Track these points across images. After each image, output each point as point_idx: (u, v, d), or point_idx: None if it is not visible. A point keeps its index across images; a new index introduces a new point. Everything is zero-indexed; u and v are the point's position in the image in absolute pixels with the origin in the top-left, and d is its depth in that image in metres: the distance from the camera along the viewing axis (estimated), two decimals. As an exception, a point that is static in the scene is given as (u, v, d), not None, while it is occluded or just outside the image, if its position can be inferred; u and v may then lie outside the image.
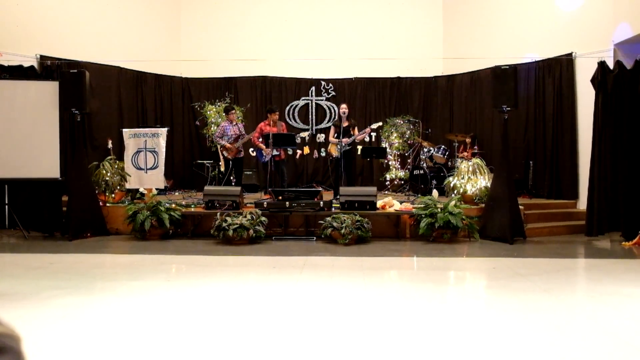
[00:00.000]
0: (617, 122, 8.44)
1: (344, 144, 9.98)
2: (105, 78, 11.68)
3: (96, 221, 8.56)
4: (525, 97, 10.89)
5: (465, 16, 13.14)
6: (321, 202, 8.57)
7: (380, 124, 11.17)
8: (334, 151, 10.28)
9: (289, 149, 11.64)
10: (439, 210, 8.07)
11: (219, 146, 10.74)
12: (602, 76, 8.47)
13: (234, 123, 10.76)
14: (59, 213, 8.74)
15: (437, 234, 8.04)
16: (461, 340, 3.70)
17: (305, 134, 12.15)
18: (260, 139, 10.44)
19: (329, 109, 13.58)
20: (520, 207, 8.55)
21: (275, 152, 10.25)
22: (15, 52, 9.63)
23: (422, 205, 8.38)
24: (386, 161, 12.62)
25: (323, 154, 13.37)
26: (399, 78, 13.50)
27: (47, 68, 9.74)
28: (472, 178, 9.25)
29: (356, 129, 10.31)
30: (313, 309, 4.53)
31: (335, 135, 10.25)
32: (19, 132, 8.45)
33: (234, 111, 11.00)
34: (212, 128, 12.24)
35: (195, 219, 8.75)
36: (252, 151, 13.01)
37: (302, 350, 3.50)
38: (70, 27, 11.10)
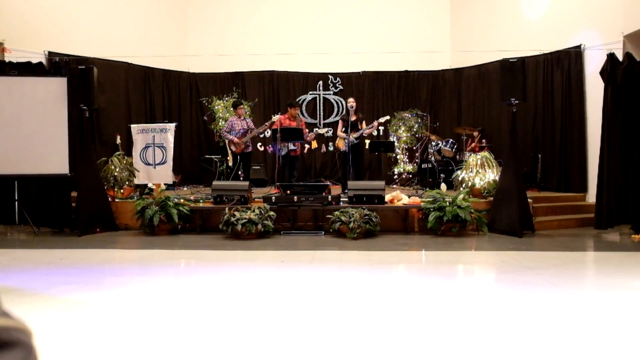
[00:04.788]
0: (627, 114, 8.38)
1: (352, 138, 9.98)
2: (113, 74, 11.72)
3: (105, 217, 8.61)
4: (534, 90, 10.83)
5: (472, 9, 13.08)
6: (329, 197, 8.57)
7: (388, 117, 11.14)
8: (342, 145, 10.28)
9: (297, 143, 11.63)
10: (448, 203, 8.05)
11: (226, 141, 10.76)
12: (611, 68, 8.40)
13: (242, 118, 10.77)
14: (68, 209, 8.78)
15: (446, 228, 8.03)
16: (469, 333, 3.70)
17: (323, 130, 11.94)
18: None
19: (337, 103, 13.57)
20: (529, 200, 8.52)
21: (292, 147, 10.27)
22: (23, 48, 9.68)
23: (431, 199, 8.36)
24: (394, 155, 12.60)
25: (331, 149, 13.36)
26: (406, 72, 13.47)
27: (56, 64, 9.76)
28: (480, 171, 9.22)
29: (364, 122, 10.30)
30: (322, 303, 4.54)
31: (344, 129, 10.25)
32: (27, 128, 8.49)
33: (242, 106, 11.02)
34: (220, 123, 12.26)
35: (204, 214, 8.77)
36: (260, 146, 13.02)
37: (309, 344, 3.51)
38: (78, 24, 11.13)
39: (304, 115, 13.46)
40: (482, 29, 12.62)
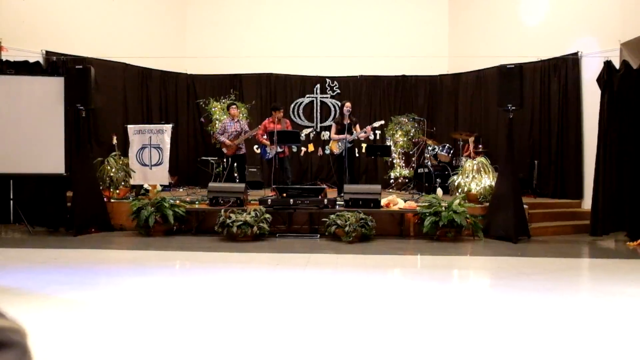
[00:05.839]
0: (623, 122, 8.40)
1: (350, 138, 9.98)
2: (111, 74, 11.69)
3: (100, 217, 8.58)
4: (531, 97, 10.84)
5: (471, 14, 13.11)
6: (325, 200, 8.56)
7: (382, 122, 11.15)
8: (335, 148, 10.27)
9: (293, 146, 11.63)
10: (443, 208, 8.05)
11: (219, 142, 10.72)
12: (608, 76, 8.43)
13: (236, 119, 10.71)
14: (63, 208, 8.76)
15: (441, 233, 8.03)
16: (463, 339, 3.69)
17: (308, 131, 12.13)
18: (265, 136, 10.46)
19: (334, 106, 13.56)
20: (525, 206, 8.52)
21: (279, 149, 10.25)
22: (20, 47, 9.64)
23: (426, 204, 8.37)
24: (391, 159, 12.61)
25: (327, 152, 13.35)
26: (404, 76, 13.48)
27: (53, 64, 9.75)
28: (476, 177, 9.23)
29: (357, 126, 10.30)
30: (316, 306, 4.53)
31: (337, 132, 10.25)
32: (24, 127, 8.46)
33: (234, 106, 10.97)
34: (216, 125, 12.25)
35: (200, 216, 8.76)
36: (257, 148, 13.01)
37: (303, 347, 3.50)
38: (76, 23, 11.11)
39: (300, 118, 13.46)
40: (480, 34, 12.64)
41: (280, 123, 10.38)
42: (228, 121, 10.71)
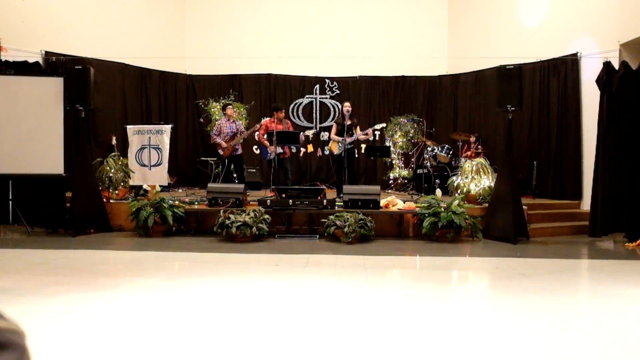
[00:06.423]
0: (622, 122, 8.41)
1: (347, 142, 9.98)
2: (110, 74, 11.69)
3: (100, 217, 8.58)
4: (530, 97, 10.85)
5: (470, 15, 13.12)
6: (324, 201, 8.56)
7: (384, 125, 11.15)
8: (335, 148, 10.28)
9: (293, 147, 11.63)
10: (442, 209, 8.06)
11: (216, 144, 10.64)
12: (607, 76, 8.43)
13: (232, 120, 10.66)
14: (62, 209, 8.75)
15: (440, 233, 8.03)
16: (463, 340, 3.69)
17: (310, 132, 12.14)
18: (265, 136, 10.45)
19: (333, 107, 13.57)
20: (524, 207, 8.53)
21: (280, 150, 10.25)
22: (20, 47, 9.65)
23: (426, 205, 8.36)
24: (390, 160, 12.61)
25: (327, 152, 13.36)
26: (403, 77, 13.48)
27: (52, 64, 9.75)
28: (475, 178, 9.23)
29: (358, 128, 10.31)
30: (315, 307, 4.53)
31: (337, 133, 10.26)
32: (23, 127, 8.46)
33: (231, 106, 10.95)
34: (215, 125, 12.25)
35: (199, 216, 8.75)
36: (256, 149, 13.01)
37: (302, 350, 3.50)
38: (75, 24, 11.11)
39: (299, 119, 13.47)
40: (480, 35, 12.65)
41: (281, 123, 10.36)
42: (224, 122, 10.65)
